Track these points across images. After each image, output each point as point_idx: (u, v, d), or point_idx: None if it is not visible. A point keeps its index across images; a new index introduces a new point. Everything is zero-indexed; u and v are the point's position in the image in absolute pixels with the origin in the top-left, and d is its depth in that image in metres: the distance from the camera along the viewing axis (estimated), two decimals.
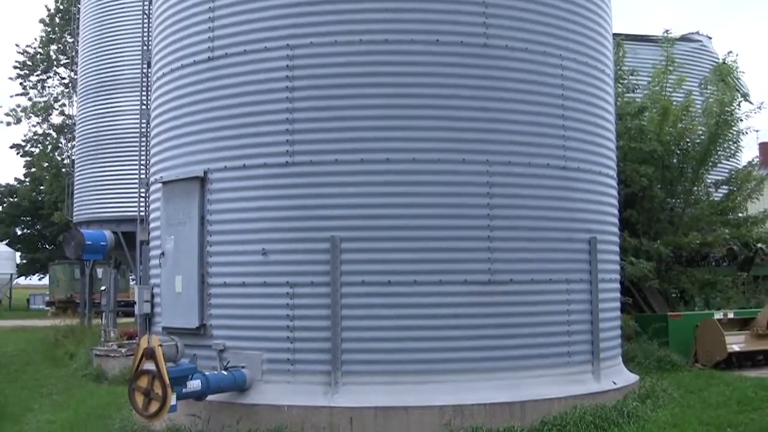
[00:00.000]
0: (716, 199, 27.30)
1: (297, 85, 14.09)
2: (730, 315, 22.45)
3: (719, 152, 26.57)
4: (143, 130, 18.60)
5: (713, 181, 27.32)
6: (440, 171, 13.92)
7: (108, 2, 33.08)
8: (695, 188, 26.33)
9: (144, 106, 18.66)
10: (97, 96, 33.08)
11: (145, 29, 18.92)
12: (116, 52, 32.26)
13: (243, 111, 14.49)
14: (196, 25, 15.29)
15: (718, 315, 22.06)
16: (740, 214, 27.95)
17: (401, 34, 14.01)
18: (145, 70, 18.73)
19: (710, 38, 35.30)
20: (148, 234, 17.25)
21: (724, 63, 29.56)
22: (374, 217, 13.78)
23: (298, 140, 13.98)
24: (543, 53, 14.85)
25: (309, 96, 14.05)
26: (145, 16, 19.00)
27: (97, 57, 33.26)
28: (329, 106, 13.97)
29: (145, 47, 18.75)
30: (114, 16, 32.70)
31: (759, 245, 28.54)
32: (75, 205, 34.21)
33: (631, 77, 26.99)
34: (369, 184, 13.82)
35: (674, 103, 25.85)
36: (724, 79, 28.40)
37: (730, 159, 28.39)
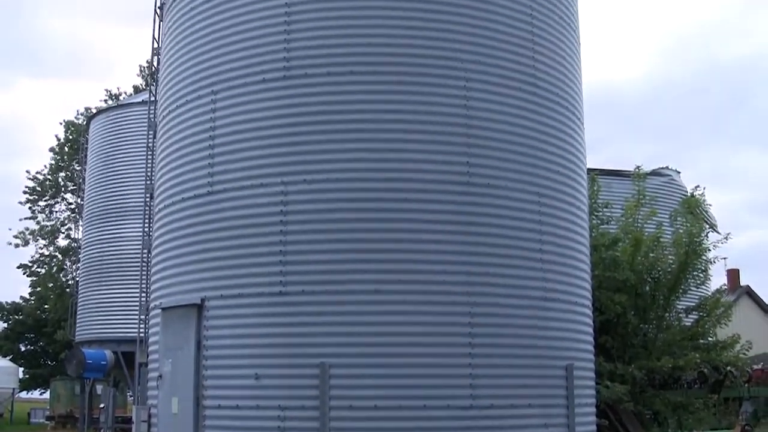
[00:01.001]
0: (687, 324, 27.26)
1: (290, 219, 14.23)
2: None
3: (689, 280, 26.66)
4: (144, 257, 18.65)
5: (684, 307, 27.34)
6: (424, 301, 13.98)
7: (114, 135, 33.58)
8: (667, 314, 26.33)
9: (146, 235, 18.73)
10: (101, 222, 33.32)
11: (149, 162, 19.10)
12: (120, 182, 32.65)
13: (239, 242, 14.60)
14: (197, 161, 15.49)
15: None
16: (710, 339, 27.89)
17: (389, 172, 14.24)
18: (147, 201, 18.85)
19: (679, 172, 35.80)
20: (147, 356, 17.19)
21: (692, 196, 29.90)
22: (362, 345, 13.77)
23: (291, 271, 14.06)
24: (522, 191, 15.04)
25: (301, 230, 14.19)
26: (149, 150, 19.21)
27: (102, 185, 33.65)
28: (320, 239, 14.10)
29: (148, 180, 18.91)
30: (119, 148, 33.17)
31: (728, 368, 28.42)
32: (78, 324, 34.14)
33: (605, 210, 27.24)
34: (357, 313, 13.86)
35: (646, 234, 26.04)
36: (693, 211, 28.68)
37: (700, 287, 28.48)
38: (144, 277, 18.54)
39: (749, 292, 55.12)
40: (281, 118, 14.65)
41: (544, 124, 15.67)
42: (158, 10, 18.67)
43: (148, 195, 18.75)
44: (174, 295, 15.64)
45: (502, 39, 15.40)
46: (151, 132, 18.71)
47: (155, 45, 18.92)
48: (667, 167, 35.64)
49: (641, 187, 27.64)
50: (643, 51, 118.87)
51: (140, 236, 19.67)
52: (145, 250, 18.59)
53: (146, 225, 18.85)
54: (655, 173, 33.07)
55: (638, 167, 28.77)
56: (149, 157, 19.12)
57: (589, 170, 19.66)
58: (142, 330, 18.11)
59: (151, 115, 18.87)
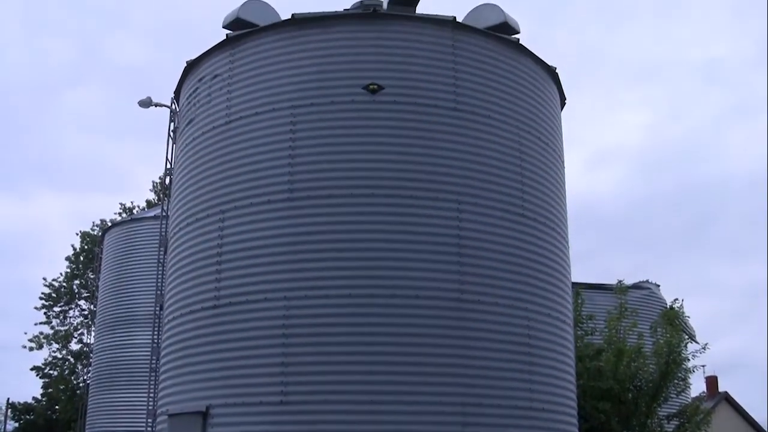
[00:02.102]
0: (669, 430, 27.03)
1: (291, 332, 14.22)
2: None
3: (670, 388, 26.49)
4: (153, 365, 18.55)
5: (665, 414, 27.12)
6: (418, 411, 13.84)
7: (127, 247, 33.68)
8: (649, 421, 26.08)
9: (155, 344, 18.67)
10: (113, 329, 33.19)
11: (159, 275, 19.14)
12: (132, 292, 32.60)
13: (243, 353, 14.54)
14: (205, 276, 15.52)
15: None
16: None
17: (384, 289, 14.28)
18: (157, 312, 18.83)
19: (658, 286, 35.83)
20: None
21: (671, 308, 29.87)
22: None
23: (292, 381, 13.97)
24: (511, 306, 15.06)
25: (302, 342, 14.16)
26: (159, 264, 19.26)
27: (115, 294, 33.57)
28: (320, 351, 14.05)
29: (158, 291, 18.91)
30: (132, 259, 33.20)
31: None
32: (87, 426, 33.70)
33: (589, 322, 27.22)
34: (354, 422, 13.72)
35: (628, 344, 25.97)
36: (672, 322, 28.61)
37: (680, 394, 28.28)
38: (152, 383, 18.41)
39: (728, 398, 54.67)
40: (284, 237, 14.76)
41: (531, 244, 15.77)
42: (171, 134, 18.94)
43: (158, 306, 18.74)
44: (180, 402, 15.50)
45: (493, 164, 15.62)
46: (162, 247, 18.80)
47: (168, 165, 19.12)
48: (647, 281, 35.75)
49: (623, 300, 27.67)
50: (620, 169, 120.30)
51: (149, 343, 19.61)
52: (154, 358, 18.50)
53: (155, 334, 18.81)
54: (636, 287, 33.18)
55: (620, 281, 28.85)
56: (160, 270, 19.16)
57: (574, 284, 19.71)
58: None
59: (163, 231, 18.98)
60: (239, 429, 14.32)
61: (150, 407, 18.24)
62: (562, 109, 18.66)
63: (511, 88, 16.48)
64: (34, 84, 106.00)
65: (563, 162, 18.04)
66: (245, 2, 17.21)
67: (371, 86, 15.28)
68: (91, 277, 52.70)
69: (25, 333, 56.98)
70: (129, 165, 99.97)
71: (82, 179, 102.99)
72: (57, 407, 56.42)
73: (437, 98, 15.53)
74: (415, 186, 14.87)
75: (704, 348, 27.82)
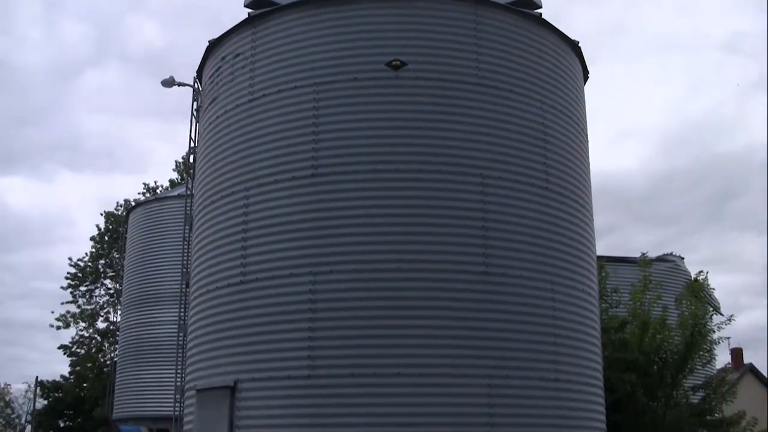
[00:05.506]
0: (694, 402, 27.00)
1: (318, 307, 14.34)
2: None
3: (695, 360, 26.45)
4: (180, 341, 18.73)
5: (691, 385, 27.07)
6: (444, 384, 13.98)
7: (152, 226, 33.91)
8: (675, 393, 26.05)
9: (182, 321, 18.86)
10: (138, 307, 33.46)
11: (185, 253, 19.29)
12: (157, 270, 32.83)
13: (269, 329, 14.69)
14: (231, 253, 15.65)
15: None
16: (717, 415, 27.56)
17: (410, 263, 14.37)
18: (183, 289, 19.00)
19: (683, 258, 35.71)
20: None
21: (696, 281, 29.75)
22: (386, 425, 13.73)
23: (318, 356, 14.11)
24: (536, 279, 15.11)
25: (328, 317, 14.29)
26: (185, 242, 19.42)
27: (140, 273, 33.85)
28: (346, 326, 14.20)
29: (184, 269, 19.09)
30: (156, 238, 33.44)
31: None
32: (115, 402, 34.08)
33: (613, 295, 27.17)
34: (381, 395, 13.87)
35: (652, 317, 25.93)
36: (697, 295, 28.53)
37: (706, 366, 28.21)
38: (179, 359, 18.59)
39: (752, 370, 54.64)
40: (309, 213, 14.86)
41: (555, 217, 15.80)
42: (195, 113, 19.05)
43: (184, 283, 18.91)
44: (208, 378, 15.67)
45: (516, 139, 15.66)
46: (187, 225, 18.95)
47: (192, 144, 19.24)
48: (671, 253, 35.64)
49: (647, 272, 27.58)
50: (643, 143, 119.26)
51: (175, 320, 19.81)
52: (181, 334, 18.69)
53: (182, 311, 18.98)
54: (660, 259, 33.14)
55: (644, 254, 28.73)
56: (185, 248, 19.32)
57: (598, 258, 19.73)
58: (176, 410, 18.13)
59: (188, 209, 19.12)
60: (267, 403, 14.49)
61: (178, 383, 18.46)
62: (585, 83, 18.63)
63: (534, 62, 16.47)
64: (53, 65, 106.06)
65: (587, 136, 18.03)
66: None
67: (394, 62, 15.32)
68: (116, 256, 53.11)
69: (53, 312, 57.41)
70: (151, 145, 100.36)
71: (104, 160, 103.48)
72: (85, 385, 56.95)
73: (460, 73, 15.55)
74: (439, 161, 14.93)
75: (729, 320, 27.73)
